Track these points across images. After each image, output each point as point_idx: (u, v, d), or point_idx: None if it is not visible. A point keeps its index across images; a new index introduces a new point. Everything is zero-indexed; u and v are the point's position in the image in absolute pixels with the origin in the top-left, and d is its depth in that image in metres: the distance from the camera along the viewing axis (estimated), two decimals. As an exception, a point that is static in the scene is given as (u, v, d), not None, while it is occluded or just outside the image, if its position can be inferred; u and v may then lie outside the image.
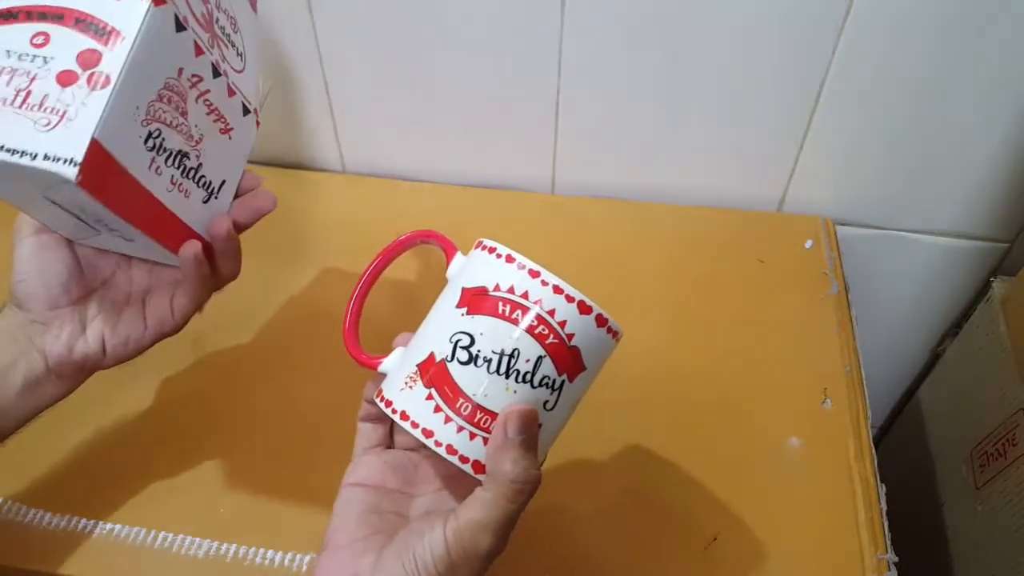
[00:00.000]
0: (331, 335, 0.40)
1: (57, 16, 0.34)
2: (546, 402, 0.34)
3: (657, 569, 0.47)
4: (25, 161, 0.32)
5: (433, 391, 0.34)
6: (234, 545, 0.47)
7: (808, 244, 0.68)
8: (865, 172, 0.68)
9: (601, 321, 0.34)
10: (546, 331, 0.33)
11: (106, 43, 0.33)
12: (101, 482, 0.50)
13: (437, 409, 0.33)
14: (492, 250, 0.35)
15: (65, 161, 0.32)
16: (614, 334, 0.35)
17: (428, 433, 0.34)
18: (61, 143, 0.32)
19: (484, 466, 0.33)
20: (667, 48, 0.62)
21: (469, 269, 0.36)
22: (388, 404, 0.35)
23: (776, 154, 0.68)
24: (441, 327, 0.35)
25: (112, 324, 0.42)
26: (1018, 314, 0.64)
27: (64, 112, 0.32)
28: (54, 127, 0.32)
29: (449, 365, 0.34)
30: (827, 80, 0.62)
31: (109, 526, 0.48)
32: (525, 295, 0.33)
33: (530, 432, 0.33)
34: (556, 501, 0.49)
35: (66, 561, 0.46)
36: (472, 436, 0.33)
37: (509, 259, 0.34)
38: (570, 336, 0.34)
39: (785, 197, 0.71)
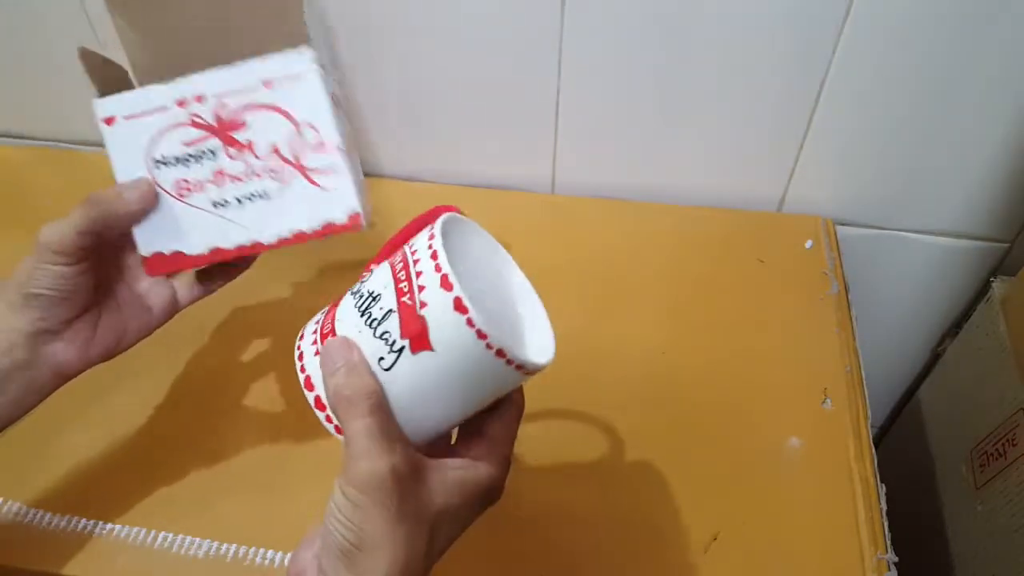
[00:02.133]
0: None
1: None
2: (382, 359, 0.32)
3: (657, 569, 0.47)
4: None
5: (321, 315, 0.36)
6: (234, 545, 0.47)
7: (808, 244, 0.68)
8: (865, 172, 0.68)
9: (460, 308, 0.30)
10: (406, 287, 0.32)
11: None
12: (101, 482, 0.50)
13: (313, 331, 0.35)
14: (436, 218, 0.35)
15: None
16: (481, 335, 0.31)
17: (300, 356, 0.35)
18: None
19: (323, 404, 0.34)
20: (667, 48, 0.62)
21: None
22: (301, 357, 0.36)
23: (776, 154, 0.68)
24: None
25: (121, 322, 0.44)
26: (1018, 314, 0.64)
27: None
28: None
29: (346, 296, 0.35)
30: (827, 80, 0.62)
31: (109, 526, 0.48)
32: (414, 250, 0.33)
33: (348, 359, 0.32)
34: (556, 500, 0.49)
35: (66, 561, 0.46)
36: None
37: (432, 225, 0.34)
38: (423, 304, 0.31)
39: (785, 197, 0.71)
